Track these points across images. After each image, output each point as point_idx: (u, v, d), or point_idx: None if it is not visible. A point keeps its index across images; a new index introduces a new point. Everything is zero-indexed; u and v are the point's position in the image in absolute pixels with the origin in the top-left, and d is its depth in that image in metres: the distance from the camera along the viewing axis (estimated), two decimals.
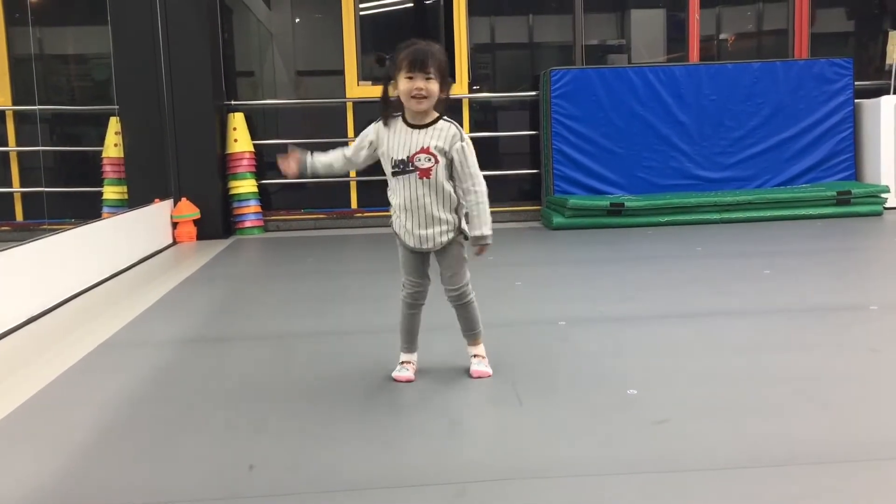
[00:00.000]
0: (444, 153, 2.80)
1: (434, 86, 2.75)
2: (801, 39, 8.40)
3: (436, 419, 2.61)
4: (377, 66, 2.96)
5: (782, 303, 4.09)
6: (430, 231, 2.85)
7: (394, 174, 2.83)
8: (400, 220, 2.88)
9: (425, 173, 2.79)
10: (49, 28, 8.29)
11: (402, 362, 3.03)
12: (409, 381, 2.95)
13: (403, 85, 2.75)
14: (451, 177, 2.84)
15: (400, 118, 2.85)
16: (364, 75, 8.25)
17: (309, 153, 2.96)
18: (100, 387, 3.11)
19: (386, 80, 2.86)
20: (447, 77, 2.81)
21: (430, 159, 2.79)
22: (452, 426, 2.55)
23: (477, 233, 2.83)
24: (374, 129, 2.89)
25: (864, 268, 5.34)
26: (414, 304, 2.98)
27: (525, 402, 2.71)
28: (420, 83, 2.73)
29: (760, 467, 2.16)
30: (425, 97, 2.75)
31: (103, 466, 2.35)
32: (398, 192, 2.84)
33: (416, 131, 2.80)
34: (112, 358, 3.56)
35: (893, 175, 7.63)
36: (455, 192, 2.85)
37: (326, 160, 2.98)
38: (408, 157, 2.79)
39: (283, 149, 3.05)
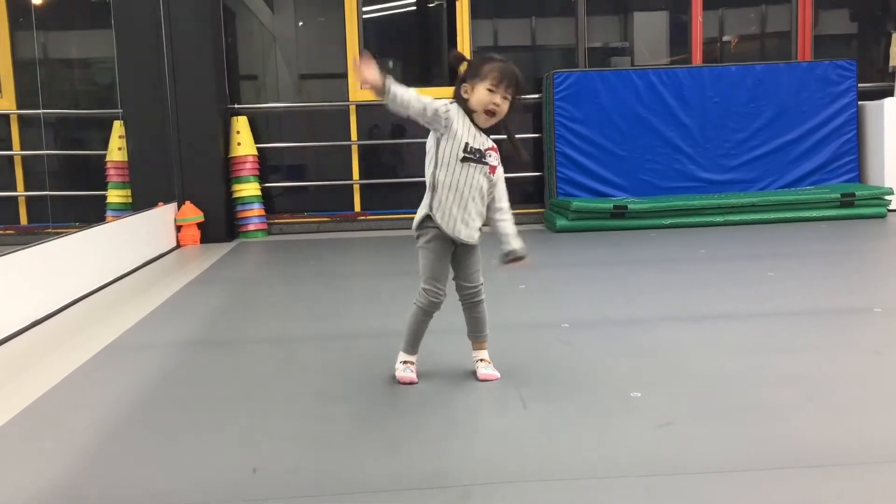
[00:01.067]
0: (499, 165, 2.91)
1: (506, 106, 2.83)
2: (805, 41, 8.40)
3: (439, 422, 2.61)
4: (453, 64, 2.87)
5: (786, 305, 4.09)
6: (473, 224, 2.89)
7: (464, 160, 2.81)
8: (449, 210, 2.84)
9: (493, 170, 2.87)
10: (53, 32, 8.31)
11: (405, 362, 3.03)
12: (412, 383, 2.96)
13: (482, 95, 2.79)
14: (493, 187, 2.92)
15: (466, 113, 2.85)
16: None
17: (390, 76, 2.78)
18: (103, 390, 3.12)
19: (459, 80, 2.87)
20: (519, 106, 2.88)
21: (497, 159, 2.89)
22: (456, 429, 2.55)
23: (518, 247, 2.91)
24: (451, 109, 2.82)
25: (868, 270, 5.33)
26: (429, 312, 2.97)
27: (529, 405, 2.71)
28: (498, 99, 2.79)
29: (765, 470, 2.15)
30: (496, 114, 2.82)
31: (106, 470, 2.35)
32: (461, 178, 2.82)
33: (482, 132, 2.87)
34: (116, 361, 3.57)
35: None
36: (493, 200, 2.94)
37: (405, 94, 2.76)
38: (484, 149, 2.84)
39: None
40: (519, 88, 2.83)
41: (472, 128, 2.84)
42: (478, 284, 2.97)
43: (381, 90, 2.73)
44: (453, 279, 2.98)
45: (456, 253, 2.95)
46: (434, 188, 2.86)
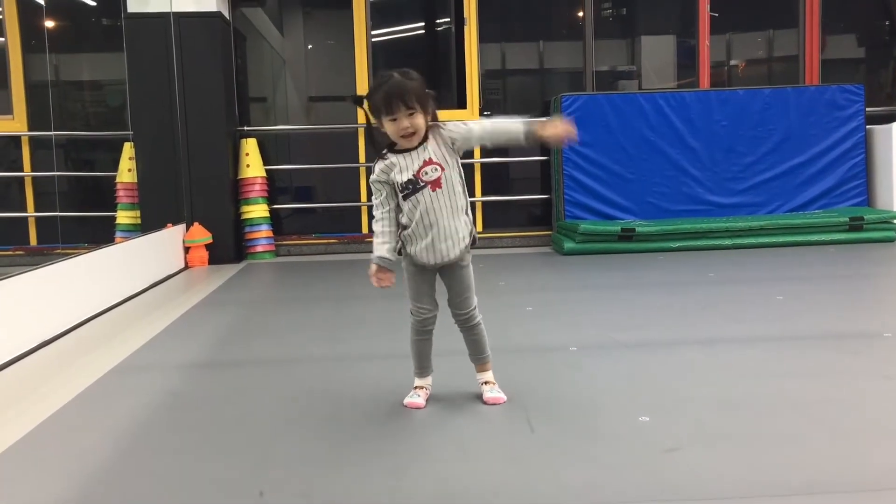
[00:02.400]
0: (448, 156, 2.81)
1: (419, 118, 2.74)
2: (812, 65, 8.42)
3: (447, 445, 2.60)
4: (357, 104, 2.90)
5: (795, 329, 4.07)
6: (448, 242, 2.84)
7: (404, 197, 2.82)
8: (416, 241, 2.86)
9: (436, 184, 2.79)
10: (65, 55, 8.38)
11: (416, 387, 3.03)
12: (418, 408, 2.95)
13: (390, 127, 2.75)
14: (459, 176, 2.85)
15: (387, 153, 2.84)
16: None
17: (383, 260, 2.88)
18: (111, 411, 3.12)
19: (368, 122, 2.86)
20: (427, 100, 2.77)
21: (436, 169, 2.79)
22: (464, 452, 2.54)
23: (527, 123, 2.84)
24: (379, 169, 2.86)
25: (877, 294, 5.31)
26: (423, 331, 2.98)
27: (536, 429, 2.70)
28: (405, 122, 2.73)
29: (773, 496, 2.14)
30: (414, 133, 2.76)
31: (113, 492, 2.34)
32: (412, 213, 2.82)
33: (411, 152, 2.81)
34: (123, 383, 3.57)
35: None
36: (464, 194, 2.87)
37: (389, 245, 2.89)
38: (413, 175, 2.79)
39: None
40: (417, 97, 2.71)
41: (401, 159, 2.80)
42: (467, 310, 2.94)
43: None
44: (447, 303, 2.98)
45: (443, 277, 2.94)
46: (402, 230, 2.89)
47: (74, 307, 4.80)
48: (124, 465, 2.54)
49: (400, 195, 2.84)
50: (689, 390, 3.09)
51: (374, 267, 2.89)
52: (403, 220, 2.87)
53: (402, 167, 2.80)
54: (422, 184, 2.79)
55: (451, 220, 2.83)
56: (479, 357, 3.02)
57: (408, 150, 2.80)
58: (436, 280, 2.96)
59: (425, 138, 2.81)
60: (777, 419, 2.72)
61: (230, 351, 4.13)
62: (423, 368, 3.03)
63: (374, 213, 2.94)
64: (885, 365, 3.38)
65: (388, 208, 2.88)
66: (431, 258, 2.86)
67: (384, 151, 2.86)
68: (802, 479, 2.23)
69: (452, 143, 2.83)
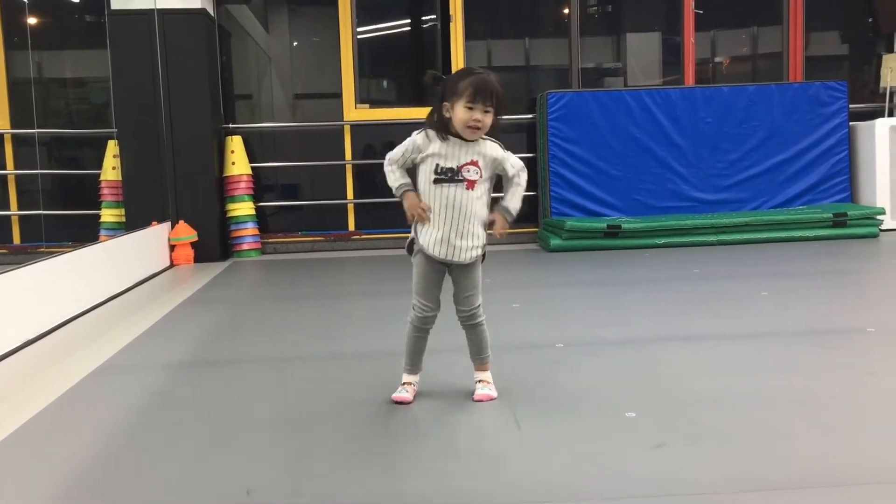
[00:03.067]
0: (490, 170, 2.87)
1: (490, 118, 2.79)
2: (796, 63, 8.46)
3: (435, 443, 2.60)
4: (430, 84, 2.92)
5: (779, 325, 4.10)
6: (463, 243, 2.86)
7: (436, 181, 2.82)
8: (431, 231, 2.86)
9: (472, 185, 2.83)
10: (48, 52, 8.32)
11: (403, 383, 3.03)
12: (406, 403, 2.95)
13: (462, 113, 2.77)
14: (488, 192, 2.90)
15: (445, 132, 2.85)
16: (361, 98, 8.29)
17: (408, 185, 2.90)
18: (96, 411, 3.10)
19: (440, 99, 2.85)
20: (503, 110, 2.83)
21: (477, 173, 2.84)
22: (451, 450, 2.54)
23: (511, 207, 2.92)
24: (419, 137, 2.85)
25: (861, 290, 5.35)
26: (422, 329, 2.98)
27: (523, 426, 2.70)
28: (478, 115, 2.76)
29: (759, 491, 2.15)
30: (479, 129, 2.79)
31: (97, 492, 2.33)
32: (437, 200, 2.83)
33: (466, 144, 2.83)
34: (108, 382, 3.55)
35: (889, 197, 7.67)
36: (486, 208, 2.91)
37: (391, 176, 2.92)
38: (457, 166, 2.82)
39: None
40: (498, 99, 2.78)
41: (453, 143, 2.82)
42: (472, 308, 2.95)
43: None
44: (452, 299, 2.98)
45: (451, 273, 2.95)
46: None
47: (58, 306, 4.77)
48: (110, 465, 2.53)
49: (432, 178, 2.83)
50: (675, 386, 3.10)
51: (412, 197, 2.86)
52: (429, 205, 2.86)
53: (449, 153, 2.82)
54: (460, 177, 2.82)
55: (471, 224, 2.86)
56: (479, 357, 3.03)
57: (462, 140, 2.82)
58: (443, 280, 2.96)
59: (477, 140, 2.85)
60: (763, 415, 2.74)
61: (216, 350, 4.11)
62: (413, 365, 3.03)
63: (388, 157, 2.91)
64: (869, 360, 3.40)
65: (393, 166, 2.91)
66: (442, 253, 2.86)
67: (431, 130, 2.85)
68: (788, 475, 2.25)
69: (494, 163, 2.87)
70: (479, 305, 2.97)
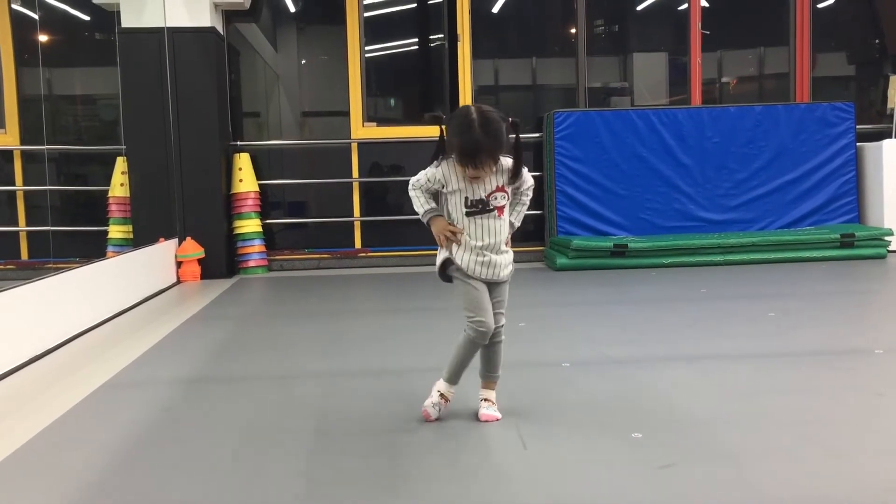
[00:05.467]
0: (511, 184, 2.92)
1: (487, 168, 2.80)
2: (803, 83, 8.48)
3: (439, 462, 2.59)
4: (430, 124, 3.00)
5: (787, 346, 4.08)
6: (501, 260, 2.92)
7: (469, 213, 2.87)
8: (470, 255, 2.89)
9: (501, 210, 2.90)
10: (58, 69, 8.38)
11: (442, 395, 2.99)
12: (431, 420, 2.96)
13: (460, 169, 2.83)
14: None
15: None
16: (369, 116, 8.33)
17: (435, 210, 2.95)
18: (102, 427, 3.10)
19: (440, 139, 2.89)
20: (504, 143, 2.82)
21: (504, 197, 2.90)
22: (456, 470, 2.53)
23: (515, 223, 3.02)
24: (439, 171, 2.89)
25: (868, 311, 5.33)
26: (481, 344, 2.94)
27: (529, 446, 2.69)
28: (471, 172, 2.81)
29: None
30: (479, 178, 2.84)
31: None
32: (473, 231, 2.88)
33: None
34: (115, 398, 3.55)
35: None
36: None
37: (417, 202, 2.96)
38: (485, 196, 2.86)
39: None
40: (490, 152, 2.77)
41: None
42: (501, 324, 2.98)
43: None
44: None
45: (490, 290, 2.95)
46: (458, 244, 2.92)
47: (66, 322, 4.78)
48: (116, 481, 2.53)
49: (464, 210, 2.87)
50: (681, 407, 3.09)
51: (441, 222, 2.90)
52: (461, 228, 2.90)
53: (474, 187, 2.86)
54: (491, 207, 2.87)
55: (503, 246, 2.93)
56: (489, 374, 3.03)
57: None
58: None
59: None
60: (769, 436, 2.72)
61: (223, 366, 4.11)
62: (458, 377, 3.00)
63: (412, 182, 2.96)
64: (877, 382, 3.39)
65: (420, 189, 2.95)
66: (485, 274, 2.91)
67: (449, 163, 2.88)
68: (795, 496, 2.23)
69: (511, 182, 2.90)
70: (503, 325, 2.99)
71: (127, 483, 2.52)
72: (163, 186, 7.33)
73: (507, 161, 2.91)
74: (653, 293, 5.94)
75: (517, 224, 3.04)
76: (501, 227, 2.91)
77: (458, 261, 2.91)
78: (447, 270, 2.97)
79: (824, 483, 2.32)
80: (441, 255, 2.96)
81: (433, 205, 2.94)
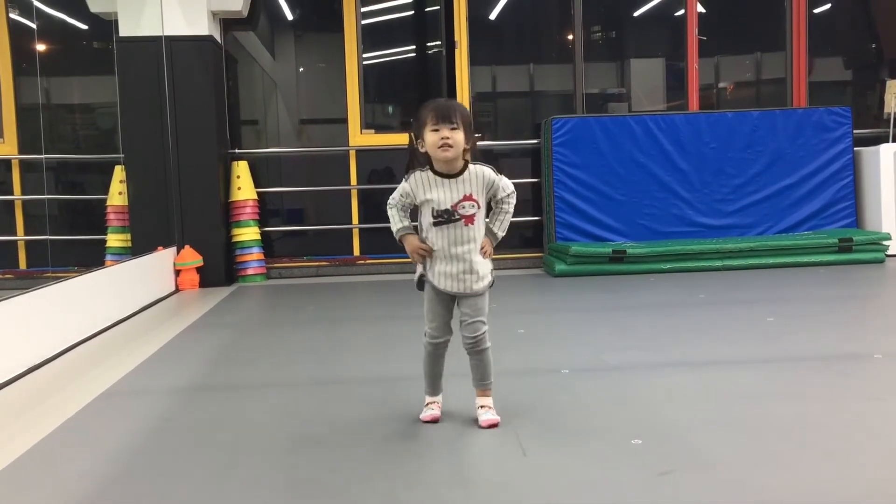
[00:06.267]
0: (485, 195, 2.93)
1: (459, 135, 2.85)
2: (800, 88, 8.49)
3: (438, 470, 2.59)
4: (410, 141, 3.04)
5: (785, 351, 4.08)
6: (472, 276, 2.93)
7: (436, 224, 2.90)
8: (439, 267, 2.93)
9: (470, 220, 2.90)
10: (56, 78, 8.39)
11: (428, 403, 3.08)
12: (435, 420, 3.00)
13: (430, 137, 2.85)
14: (483, 218, 2.97)
15: (428, 170, 2.92)
16: (367, 124, 8.34)
17: (407, 228, 3.00)
18: (100, 437, 3.10)
19: (413, 137, 2.97)
20: (471, 129, 2.91)
21: (473, 206, 2.90)
22: (455, 477, 2.53)
23: (499, 233, 3.01)
24: (408, 184, 2.95)
25: (867, 316, 5.33)
26: (435, 354, 3.04)
27: (528, 453, 2.69)
28: (446, 132, 2.83)
29: None
30: (451, 146, 2.84)
31: None
32: (439, 240, 2.91)
33: (452, 180, 2.90)
34: (113, 407, 3.55)
35: (894, 222, 7.65)
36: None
37: (393, 220, 3.01)
38: (451, 206, 2.88)
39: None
40: (463, 116, 2.87)
41: (440, 184, 2.89)
42: (476, 334, 2.96)
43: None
44: (459, 325, 3.00)
45: (459, 301, 2.98)
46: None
47: (64, 331, 4.78)
48: (113, 491, 2.52)
49: (431, 221, 2.90)
50: (681, 413, 3.09)
51: (412, 240, 2.95)
52: (428, 242, 2.95)
53: (440, 195, 2.89)
54: (457, 216, 2.88)
55: (474, 257, 2.92)
56: (481, 383, 3.03)
57: (449, 177, 2.89)
58: (454, 307, 3.00)
59: (464, 169, 2.90)
60: (768, 441, 2.72)
61: (221, 374, 4.11)
62: (433, 387, 3.09)
63: (388, 201, 3.01)
64: (875, 386, 3.39)
65: (395, 205, 3.00)
66: (453, 287, 2.93)
67: (417, 170, 2.94)
68: (794, 502, 2.23)
69: (490, 187, 2.93)
70: (484, 332, 2.98)
71: (125, 492, 2.52)
72: (161, 195, 7.33)
73: (482, 168, 2.94)
74: (651, 299, 5.94)
75: (500, 234, 3.02)
76: (471, 236, 2.91)
77: (428, 275, 2.96)
78: (422, 284, 3.02)
79: (823, 489, 2.32)
80: (418, 271, 3.02)
81: (406, 223, 2.98)
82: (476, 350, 2.98)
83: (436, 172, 2.91)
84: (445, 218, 2.88)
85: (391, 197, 3.01)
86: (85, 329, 5.07)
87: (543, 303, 6.12)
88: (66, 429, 3.21)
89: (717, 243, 7.29)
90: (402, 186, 2.97)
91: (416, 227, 3.01)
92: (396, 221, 2.99)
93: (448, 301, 2.98)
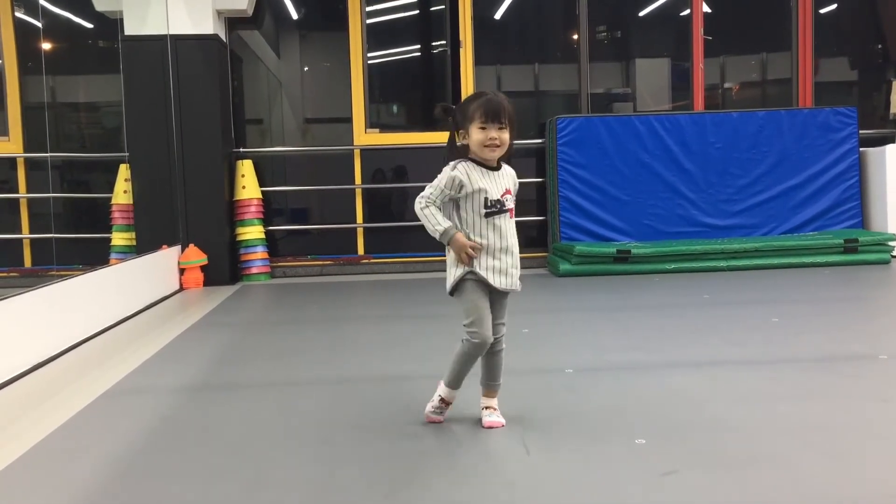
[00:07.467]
0: (515, 194, 2.94)
1: (506, 135, 2.83)
2: (805, 88, 8.47)
3: (442, 470, 2.59)
4: (441, 117, 2.96)
5: (791, 352, 4.07)
6: (516, 271, 2.92)
7: (487, 214, 2.84)
8: (488, 262, 2.86)
9: (512, 213, 2.90)
10: (62, 77, 8.40)
11: (442, 400, 2.99)
12: (439, 423, 2.99)
13: (477, 135, 2.81)
14: None
15: (471, 161, 2.87)
16: (372, 123, 8.34)
17: (452, 230, 2.84)
18: (104, 435, 3.10)
19: (452, 130, 2.91)
20: (515, 127, 2.87)
21: (512, 200, 2.91)
22: (459, 477, 2.52)
23: None
24: (458, 173, 2.81)
25: (873, 316, 5.31)
26: (478, 355, 2.91)
27: (532, 452, 2.68)
28: (493, 133, 2.80)
29: None
30: (499, 146, 2.82)
31: None
32: (489, 233, 2.85)
33: (495, 173, 2.89)
34: (117, 406, 3.55)
35: None
36: None
37: (432, 219, 2.84)
38: (500, 195, 2.86)
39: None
40: (510, 116, 2.83)
41: (487, 175, 2.86)
42: (500, 335, 2.97)
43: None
44: None
45: (493, 301, 2.93)
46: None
47: (68, 329, 4.78)
48: (117, 490, 2.52)
49: (483, 211, 2.84)
50: (685, 413, 3.08)
51: (461, 237, 2.82)
52: (476, 238, 2.85)
53: (490, 185, 2.84)
54: (505, 207, 2.87)
55: (516, 250, 2.92)
56: (490, 383, 3.01)
57: (492, 170, 2.87)
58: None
59: (499, 166, 2.89)
60: (773, 442, 2.71)
61: (225, 373, 4.11)
62: (458, 383, 2.98)
63: (421, 200, 2.85)
64: (881, 387, 3.37)
65: (436, 199, 2.85)
66: (504, 283, 2.89)
67: (460, 160, 2.86)
68: (799, 502, 2.22)
69: (516, 187, 2.94)
70: (504, 335, 2.99)
71: (129, 491, 2.52)
72: (166, 193, 7.34)
73: (508, 167, 2.94)
74: (656, 299, 5.93)
75: None
76: (513, 230, 2.90)
77: (480, 272, 2.85)
78: (457, 287, 2.89)
79: (829, 490, 2.31)
80: (458, 272, 2.86)
81: (450, 223, 2.84)
82: (496, 350, 2.97)
83: (477, 164, 2.87)
84: (498, 208, 2.85)
85: (422, 196, 2.85)
86: (89, 327, 5.07)
87: (548, 302, 6.11)
88: (68, 427, 3.21)
89: (722, 244, 7.27)
90: (450, 176, 2.81)
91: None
92: (440, 220, 2.82)
93: (489, 300, 2.90)
